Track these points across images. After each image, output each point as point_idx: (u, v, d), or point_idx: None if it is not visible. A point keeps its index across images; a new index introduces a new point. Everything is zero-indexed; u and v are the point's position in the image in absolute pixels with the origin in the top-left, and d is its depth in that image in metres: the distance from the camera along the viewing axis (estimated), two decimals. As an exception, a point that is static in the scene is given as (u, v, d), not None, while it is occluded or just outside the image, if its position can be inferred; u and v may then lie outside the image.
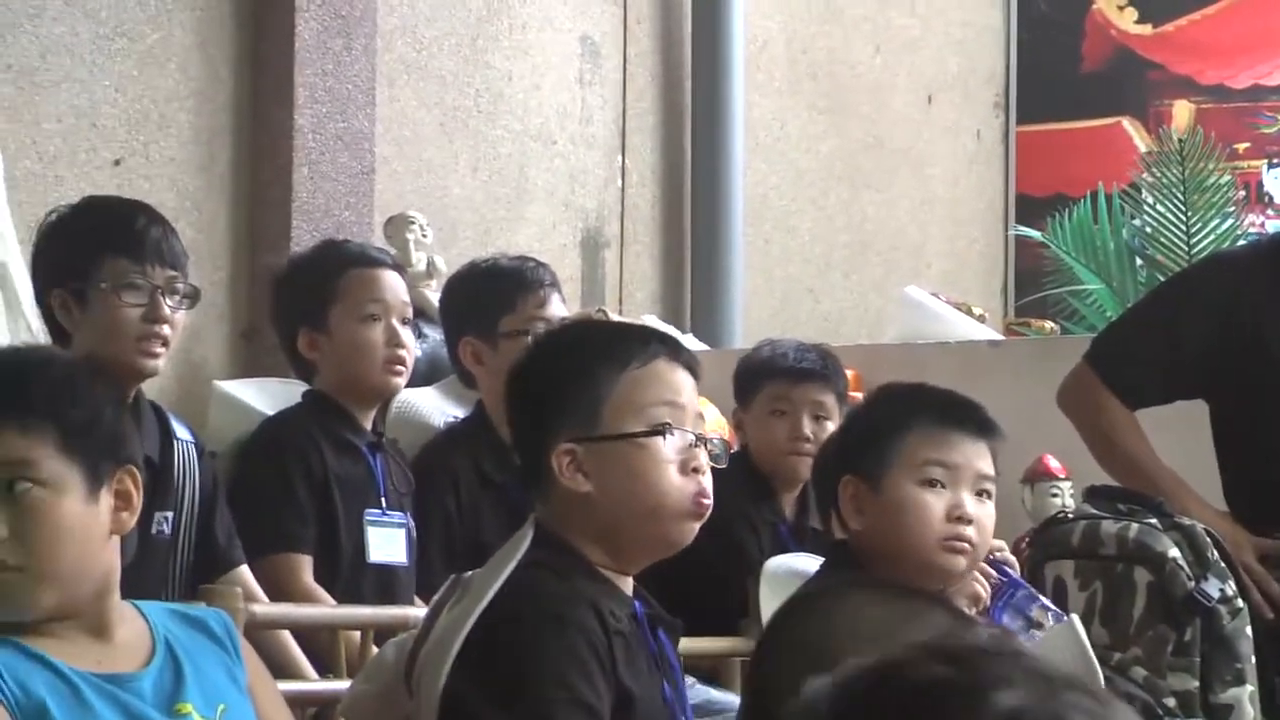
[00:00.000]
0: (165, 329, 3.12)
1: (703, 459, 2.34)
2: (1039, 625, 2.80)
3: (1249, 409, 3.42)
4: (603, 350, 2.36)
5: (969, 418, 2.73)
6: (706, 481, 2.35)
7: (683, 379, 2.38)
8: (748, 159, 6.23)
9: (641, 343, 2.38)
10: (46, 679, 2.04)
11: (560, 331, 2.64)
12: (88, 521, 2.07)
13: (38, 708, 2.02)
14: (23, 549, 2.03)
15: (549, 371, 2.38)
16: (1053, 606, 2.92)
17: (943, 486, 2.68)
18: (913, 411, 2.75)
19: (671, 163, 6.09)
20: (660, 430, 2.30)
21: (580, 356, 2.36)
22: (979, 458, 2.71)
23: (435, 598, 2.45)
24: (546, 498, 2.34)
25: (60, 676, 2.05)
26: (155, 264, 3.15)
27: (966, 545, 2.69)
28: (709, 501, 2.35)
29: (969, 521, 2.66)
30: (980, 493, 2.71)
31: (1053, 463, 4.71)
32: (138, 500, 2.13)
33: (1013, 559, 2.92)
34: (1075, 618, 2.76)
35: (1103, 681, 2.68)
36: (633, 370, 2.33)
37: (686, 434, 2.32)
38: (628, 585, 2.33)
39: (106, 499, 2.09)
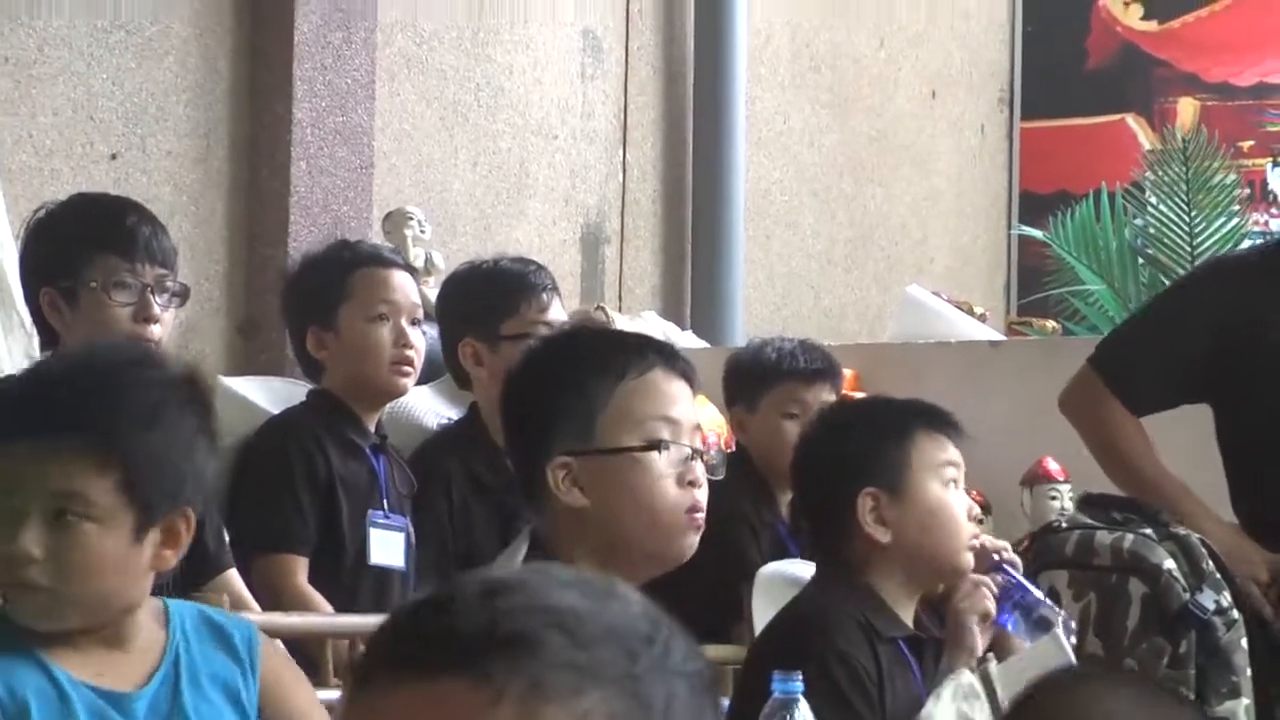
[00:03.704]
0: (155, 329, 3.10)
1: (699, 472, 2.33)
2: (1049, 625, 2.78)
3: (1252, 413, 3.40)
4: (597, 361, 2.34)
5: (949, 420, 2.77)
6: (701, 495, 2.33)
7: (679, 389, 2.35)
8: (750, 154, 6.21)
9: (638, 353, 2.35)
10: (38, 685, 2.02)
11: (554, 341, 2.61)
12: (128, 558, 2.03)
13: (20, 711, 2.00)
14: (57, 573, 2.00)
15: (543, 383, 2.35)
16: (1061, 610, 2.90)
17: (956, 486, 2.71)
18: (909, 417, 2.76)
19: (673, 158, 6.07)
20: (656, 445, 2.28)
21: (574, 367, 2.34)
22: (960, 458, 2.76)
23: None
24: (542, 510, 2.32)
25: (54, 685, 2.02)
26: (145, 262, 3.13)
27: (976, 543, 2.75)
28: (702, 516, 2.33)
29: (981, 520, 2.71)
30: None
31: (1052, 465, 4.68)
32: (185, 542, 2.07)
33: (1017, 559, 2.90)
34: (1060, 629, 2.75)
35: None
36: (628, 382, 2.31)
37: (683, 448, 2.30)
38: (620, 602, 2.31)
39: (154, 536, 2.04)
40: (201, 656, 2.14)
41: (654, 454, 2.29)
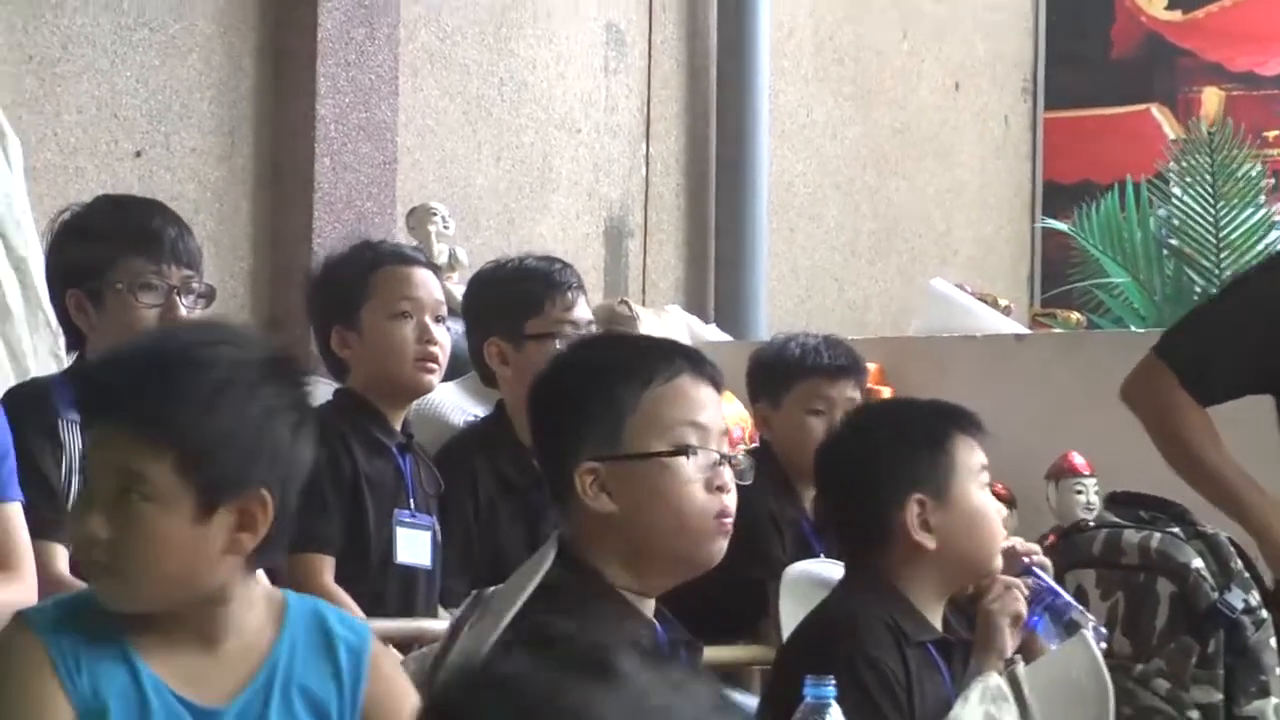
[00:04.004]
0: None
1: (727, 477, 2.32)
2: (1078, 629, 2.78)
3: None
4: (624, 367, 2.34)
5: (977, 422, 2.78)
6: (730, 500, 2.33)
7: (706, 395, 2.35)
8: (773, 146, 6.20)
9: (665, 359, 2.35)
10: (121, 686, 1.99)
11: (582, 346, 2.61)
12: (192, 541, 1.99)
13: (100, 712, 1.98)
14: (121, 553, 1.99)
15: (571, 388, 2.35)
16: (1091, 617, 2.89)
17: (990, 489, 2.71)
18: (944, 421, 2.75)
19: (696, 151, 6.06)
20: (684, 450, 2.28)
21: (602, 373, 2.34)
22: None
23: (456, 614, 2.43)
24: (570, 515, 2.32)
25: (138, 688, 2.00)
26: (171, 263, 3.12)
27: (1007, 545, 2.77)
28: (731, 521, 2.33)
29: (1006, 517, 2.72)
30: None
31: (1078, 459, 4.67)
32: (263, 525, 2.02)
33: (1048, 562, 2.89)
34: (1089, 631, 2.74)
35: (1112, 696, 2.67)
36: (656, 388, 2.31)
37: (711, 453, 2.30)
38: (649, 607, 2.31)
39: (224, 518, 2.00)
40: (303, 666, 2.07)
41: (682, 459, 2.28)
